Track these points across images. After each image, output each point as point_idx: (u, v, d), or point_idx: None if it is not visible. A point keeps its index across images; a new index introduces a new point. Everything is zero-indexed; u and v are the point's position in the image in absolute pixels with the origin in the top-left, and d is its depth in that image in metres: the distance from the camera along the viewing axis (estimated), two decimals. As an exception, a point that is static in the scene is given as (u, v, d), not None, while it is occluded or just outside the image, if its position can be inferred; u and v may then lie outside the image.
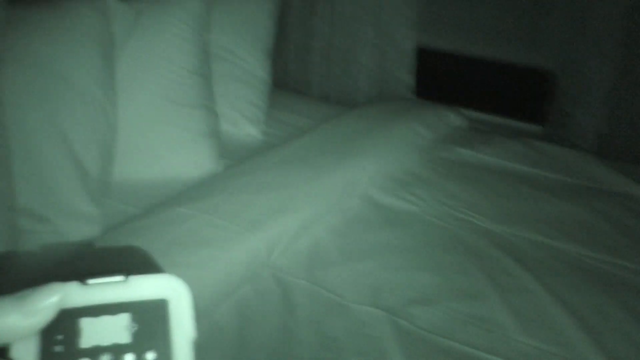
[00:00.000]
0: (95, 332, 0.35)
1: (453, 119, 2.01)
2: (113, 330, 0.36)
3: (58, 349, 0.35)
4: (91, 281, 0.36)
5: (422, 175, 1.67)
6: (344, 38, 2.47)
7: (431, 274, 1.29)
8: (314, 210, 1.40)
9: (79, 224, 1.28)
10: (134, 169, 1.53)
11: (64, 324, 0.35)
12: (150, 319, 0.37)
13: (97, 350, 0.35)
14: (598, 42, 2.07)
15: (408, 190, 1.59)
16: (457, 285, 1.27)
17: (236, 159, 1.66)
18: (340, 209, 1.49)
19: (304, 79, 2.63)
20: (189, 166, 1.57)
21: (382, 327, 1.16)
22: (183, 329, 0.37)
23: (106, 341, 0.35)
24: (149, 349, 0.36)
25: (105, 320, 0.36)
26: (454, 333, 1.16)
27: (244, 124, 1.85)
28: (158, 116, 1.58)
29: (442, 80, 2.59)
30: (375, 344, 1.12)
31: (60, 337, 0.35)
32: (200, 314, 1.11)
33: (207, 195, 1.35)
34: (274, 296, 1.22)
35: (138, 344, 0.36)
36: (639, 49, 2.02)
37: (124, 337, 0.36)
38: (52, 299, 0.34)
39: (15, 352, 0.34)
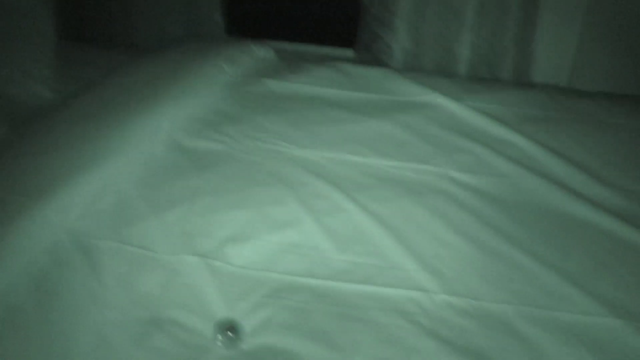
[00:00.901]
0: None
1: (259, 52, 1.96)
2: None
3: None
4: None
5: (229, 113, 1.62)
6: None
7: (245, 211, 1.26)
8: (112, 165, 1.29)
9: None
10: None
11: None
12: None
13: None
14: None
15: (216, 129, 1.53)
16: (272, 217, 1.25)
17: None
18: (144, 159, 1.39)
19: (105, 29, 2.41)
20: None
21: (197, 273, 1.12)
22: None
23: None
24: None
25: None
26: (272, 264, 1.15)
27: (27, 82, 1.66)
28: None
29: (254, 16, 2.53)
30: (192, 292, 1.08)
31: None
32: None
33: (-18, 166, 1.20)
34: (77, 263, 1.12)
35: None
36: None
37: None
38: None
39: None
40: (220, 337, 0.98)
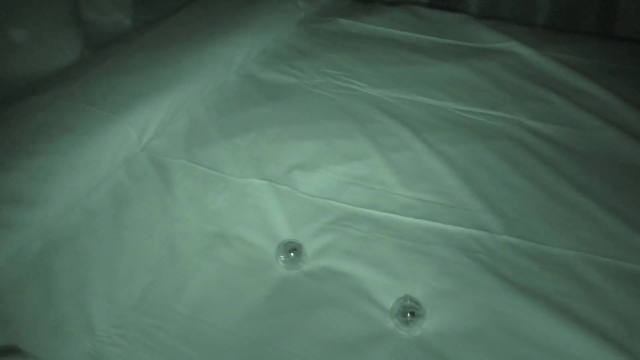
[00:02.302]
0: None
1: (334, -10, 1.94)
2: None
3: None
4: None
5: (302, 48, 1.62)
6: None
7: (313, 141, 1.28)
8: (187, 88, 1.32)
9: None
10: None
11: None
12: None
13: None
14: None
15: (288, 63, 1.54)
16: (339, 150, 1.26)
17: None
18: (217, 87, 1.42)
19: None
20: (49, 58, 1.44)
21: (264, 196, 1.14)
22: None
23: None
24: None
25: None
26: (337, 194, 1.16)
27: (110, 9, 1.71)
28: (9, 3, 1.42)
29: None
30: (258, 213, 1.11)
31: None
32: (73, 202, 1.07)
33: (66, 81, 1.25)
34: (150, 178, 1.17)
35: None
36: None
37: None
38: None
39: None
40: (282, 256, 1.01)
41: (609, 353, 0.87)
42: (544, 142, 1.32)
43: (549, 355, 0.87)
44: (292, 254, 1.01)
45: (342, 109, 1.39)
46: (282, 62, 1.55)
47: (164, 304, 0.94)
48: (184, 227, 1.07)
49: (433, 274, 1.00)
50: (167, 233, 1.06)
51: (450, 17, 1.84)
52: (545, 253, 1.04)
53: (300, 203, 1.13)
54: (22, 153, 1.05)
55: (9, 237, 0.95)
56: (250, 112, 1.35)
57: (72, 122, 1.13)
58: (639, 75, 1.56)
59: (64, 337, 0.88)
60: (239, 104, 1.38)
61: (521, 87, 1.51)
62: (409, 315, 0.89)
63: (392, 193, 1.17)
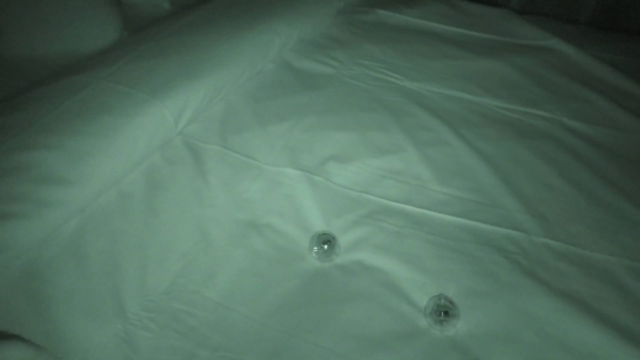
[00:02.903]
0: None
1: (374, -18, 1.91)
2: None
3: None
4: None
5: (340, 38, 1.60)
6: None
7: (348, 133, 1.26)
8: (224, 75, 1.31)
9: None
10: (27, 44, 1.40)
11: None
12: None
13: None
14: None
15: (325, 53, 1.53)
16: (375, 142, 1.25)
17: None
18: (254, 74, 1.41)
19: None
20: (87, 39, 1.45)
21: (298, 185, 1.14)
22: None
23: None
24: None
25: None
26: (371, 187, 1.15)
27: (149, -7, 1.71)
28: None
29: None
30: (292, 202, 1.10)
31: None
32: (108, 183, 1.07)
33: (105, 62, 1.25)
34: (185, 162, 1.16)
35: None
36: None
37: None
38: None
39: None
40: (316, 248, 1.00)
41: (646, 362, 0.85)
42: (584, 143, 1.28)
43: (584, 362, 0.86)
44: (325, 246, 1.00)
45: (378, 101, 1.37)
46: (320, 52, 1.53)
47: (195, 290, 0.94)
48: (216, 213, 1.07)
49: (467, 273, 0.98)
50: (199, 219, 1.05)
51: (491, 12, 1.80)
52: (584, 257, 1.02)
53: (334, 195, 1.12)
54: (60, 133, 1.05)
55: (45, 215, 0.96)
56: (286, 101, 1.34)
57: (110, 103, 1.13)
58: (684, 77, 1.52)
59: (96, 318, 0.88)
60: (275, 92, 1.37)
61: (562, 86, 1.47)
62: (442, 314, 0.88)
63: (427, 188, 1.15)
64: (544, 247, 1.04)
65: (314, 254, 1.00)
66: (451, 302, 0.90)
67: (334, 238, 1.01)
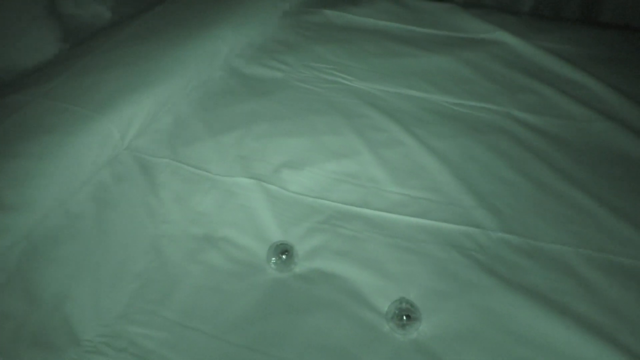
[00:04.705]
0: None
1: (319, -19, 1.90)
2: None
3: None
4: None
5: (287, 41, 1.59)
6: None
7: (301, 138, 1.25)
8: (170, 85, 1.28)
9: None
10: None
11: None
12: None
13: None
14: None
15: (273, 57, 1.51)
16: (328, 146, 1.24)
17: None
18: (201, 82, 1.39)
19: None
20: (25, 53, 1.39)
21: (252, 195, 1.12)
22: None
23: None
24: None
25: None
26: (327, 192, 1.14)
27: (89, 3, 1.65)
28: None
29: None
30: (247, 213, 1.08)
31: None
32: (54, 205, 1.03)
33: (46, 78, 1.20)
34: (135, 178, 1.13)
35: None
36: None
37: None
38: None
39: None
40: (274, 259, 0.98)
41: (607, 351, 0.86)
42: (535, 135, 1.30)
43: (548, 354, 0.86)
44: (284, 256, 0.98)
45: (329, 104, 1.36)
46: (268, 56, 1.51)
47: (152, 311, 0.91)
48: (170, 229, 1.04)
49: (427, 274, 0.98)
50: (153, 236, 1.02)
51: (436, 7, 1.81)
52: (540, 249, 1.03)
53: (290, 202, 1.11)
54: (-1, 156, 1.01)
55: (-13, 243, 0.92)
56: (236, 108, 1.32)
57: (51, 121, 1.09)
58: (627, 63, 1.55)
59: (47, 348, 0.85)
60: (224, 100, 1.35)
61: (510, 78, 1.49)
62: (404, 318, 0.87)
63: (383, 190, 1.15)
64: (501, 242, 1.04)
65: (272, 265, 0.98)
66: (412, 305, 0.89)
67: (291, 247, 0.99)
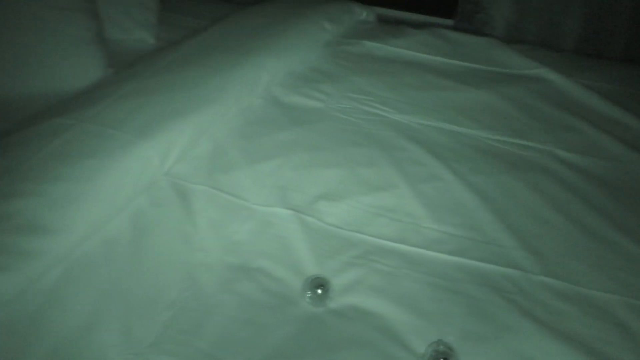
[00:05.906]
0: None
1: (360, 12, 1.92)
2: None
3: None
4: None
5: (327, 71, 1.59)
6: None
7: (338, 170, 1.24)
8: (211, 112, 1.29)
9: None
10: (5, 83, 1.37)
11: None
12: None
13: None
14: None
15: (313, 87, 1.51)
16: (366, 179, 1.23)
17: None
18: (241, 110, 1.39)
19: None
20: (71, 77, 1.42)
21: (288, 226, 1.10)
22: None
23: None
24: None
25: None
26: (364, 226, 1.12)
27: (133, 28, 1.69)
28: (32, 21, 1.41)
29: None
30: (283, 244, 1.07)
31: None
32: (91, 229, 1.03)
33: (89, 103, 1.22)
34: (172, 205, 1.13)
35: None
36: None
37: None
38: None
39: None
40: (309, 293, 0.97)
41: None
42: (578, 175, 1.27)
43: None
44: (319, 291, 0.96)
45: (367, 136, 1.35)
46: (307, 86, 1.52)
47: (184, 341, 0.90)
48: (205, 257, 1.03)
49: (465, 315, 0.95)
50: (187, 264, 1.02)
51: (477, 41, 1.80)
52: (584, 296, 0.99)
53: (326, 235, 1.09)
54: (41, 178, 1.02)
55: (24, 266, 0.92)
56: (275, 137, 1.32)
57: (93, 146, 1.10)
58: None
59: (78, 375, 0.84)
60: (263, 128, 1.35)
61: (552, 116, 1.47)
62: (442, 361, 0.85)
63: (421, 226, 1.13)
64: (542, 286, 1.01)
65: (307, 299, 0.97)
66: (450, 349, 0.87)
67: (327, 281, 0.98)
